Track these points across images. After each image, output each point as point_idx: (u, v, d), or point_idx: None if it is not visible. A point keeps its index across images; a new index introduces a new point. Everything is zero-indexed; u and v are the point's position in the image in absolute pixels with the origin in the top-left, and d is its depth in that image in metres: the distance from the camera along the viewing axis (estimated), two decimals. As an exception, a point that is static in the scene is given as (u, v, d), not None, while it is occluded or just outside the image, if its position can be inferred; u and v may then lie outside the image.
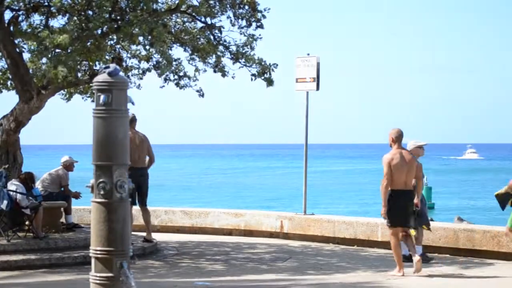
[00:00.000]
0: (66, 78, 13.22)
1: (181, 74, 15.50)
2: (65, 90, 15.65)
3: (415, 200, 12.43)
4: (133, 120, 14.58)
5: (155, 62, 15.53)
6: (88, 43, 13.81)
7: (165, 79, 15.45)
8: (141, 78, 15.91)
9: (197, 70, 15.51)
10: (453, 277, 12.06)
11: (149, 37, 13.82)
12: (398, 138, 12.39)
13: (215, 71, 15.26)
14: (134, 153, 14.06)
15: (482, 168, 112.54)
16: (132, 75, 15.76)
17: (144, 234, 14.91)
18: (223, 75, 15.18)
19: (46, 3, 14.20)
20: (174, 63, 15.11)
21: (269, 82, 15.07)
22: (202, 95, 15.72)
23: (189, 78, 15.54)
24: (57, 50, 13.11)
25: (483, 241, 13.85)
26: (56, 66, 12.72)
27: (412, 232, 12.93)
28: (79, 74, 14.79)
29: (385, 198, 12.11)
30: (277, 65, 15.03)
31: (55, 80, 13.02)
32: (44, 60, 13.42)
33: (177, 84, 15.50)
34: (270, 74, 15.00)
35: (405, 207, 12.22)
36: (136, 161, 14.13)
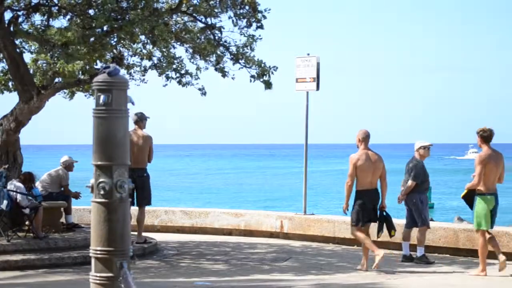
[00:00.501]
0: (79, 71, 13.19)
1: (183, 72, 15.49)
2: (67, 89, 15.65)
3: (383, 203, 12.66)
4: (142, 119, 14.54)
5: (156, 61, 15.53)
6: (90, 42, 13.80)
7: (167, 77, 15.44)
8: (143, 75, 15.91)
9: (198, 68, 15.51)
10: (453, 277, 12.06)
11: (150, 35, 13.82)
12: (364, 139, 12.67)
13: (216, 70, 15.25)
14: (136, 153, 14.05)
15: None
16: (134, 72, 15.77)
17: (144, 235, 14.89)
18: (223, 75, 15.18)
19: (47, 3, 14.19)
20: (175, 61, 15.11)
21: (267, 85, 15.03)
22: (204, 94, 15.68)
23: (191, 75, 15.53)
24: (58, 51, 13.09)
25: (483, 241, 13.82)
26: (68, 61, 12.71)
27: (392, 232, 12.95)
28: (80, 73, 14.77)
29: (348, 196, 12.53)
30: (276, 68, 15.00)
31: (73, 74, 12.97)
32: (45, 60, 13.39)
33: (179, 82, 15.48)
34: (269, 76, 14.96)
35: (371, 206, 12.52)
36: (137, 161, 14.11)
